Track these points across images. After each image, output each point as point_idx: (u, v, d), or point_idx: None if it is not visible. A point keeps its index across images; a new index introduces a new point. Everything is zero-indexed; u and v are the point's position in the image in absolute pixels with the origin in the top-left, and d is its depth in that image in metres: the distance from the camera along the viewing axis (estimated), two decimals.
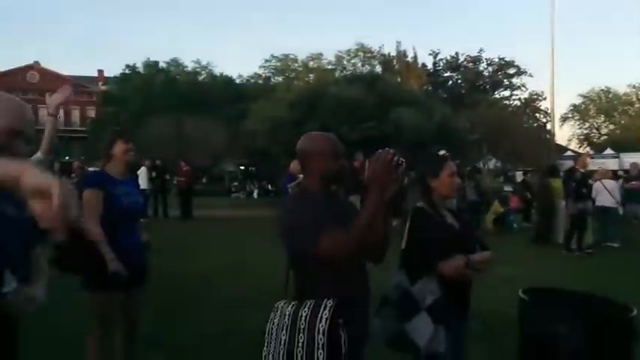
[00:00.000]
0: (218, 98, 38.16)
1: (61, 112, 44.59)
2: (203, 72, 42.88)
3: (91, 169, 26.47)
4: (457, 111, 26.58)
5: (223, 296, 6.08)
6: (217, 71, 42.86)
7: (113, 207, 3.07)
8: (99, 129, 37.62)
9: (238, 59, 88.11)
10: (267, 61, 39.03)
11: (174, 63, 41.49)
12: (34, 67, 48.64)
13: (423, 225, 2.45)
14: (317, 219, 1.99)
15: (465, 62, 42.29)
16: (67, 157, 33.55)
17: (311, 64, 38.01)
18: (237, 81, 42.01)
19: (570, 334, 2.63)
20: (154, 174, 13.86)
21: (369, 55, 38.55)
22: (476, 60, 42.09)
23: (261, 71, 40.02)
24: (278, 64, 38.83)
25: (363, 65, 37.93)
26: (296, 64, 38.54)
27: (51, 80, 48.02)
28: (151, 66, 40.14)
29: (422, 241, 2.43)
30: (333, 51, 43.44)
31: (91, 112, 45.45)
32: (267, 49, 71.90)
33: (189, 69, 42.17)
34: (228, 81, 41.41)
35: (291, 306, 2.04)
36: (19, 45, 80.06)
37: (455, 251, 2.40)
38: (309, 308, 1.98)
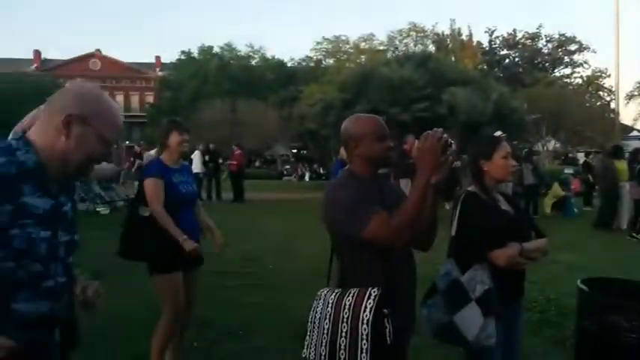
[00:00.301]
0: (270, 82, 38.45)
1: (121, 98, 46.22)
2: (256, 56, 43.29)
3: (150, 152, 27.39)
4: (514, 90, 25.59)
5: (274, 277, 6.15)
6: (269, 55, 43.14)
7: (172, 194, 3.21)
8: (156, 114, 38.83)
9: (290, 42, 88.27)
10: (318, 43, 38.92)
11: (228, 47, 42.05)
12: (96, 54, 50.48)
13: (474, 211, 2.33)
14: (361, 203, 1.93)
15: (522, 39, 40.53)
16: (127, 142, 34.73)
17: (362, 45, 37.55)
18: (289, 64, 42.11)
19: (631, 327, 2.46)
20: (207, 158, 14.13)
21: (422, 34, 37.64)
22: (534, 37, 40.29)
23: (312, 54, 39.96)
24: (329, 46, 38.61)
25: (415, 45, 37.11)
26: (347, 46, 38.18)
27: (111, 67, 49.86)
28: (206, 51, 40.83)
29: (473, 228, 2.31)
30: (385, 31, 42.76)
31: (150, 98, 46.82)
32: (318, 32, 71.68)
33: (242, 53, 42.65)
34: (280, 64, 41.58)
35: (334, 294, 1.99)
36: (82, 34, 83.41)
37: (508, 239, 2.27)
38: (352, 297, 1.93)
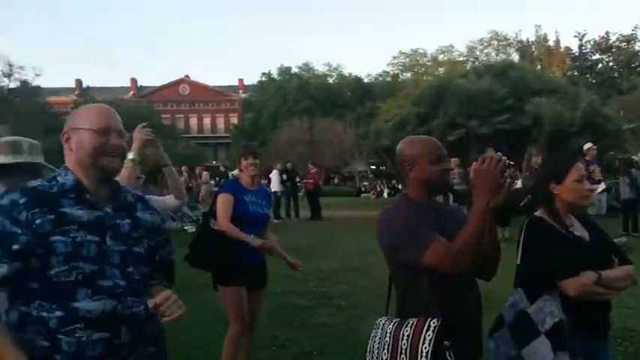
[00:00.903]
0: (348, 99, 38.71)
1: (208, 120, 48.65)
2: (333, 74, 43.88)
3: (233, 172, 28.44)
4: (608, 97, 23.92)
5: (348, 297, 6.08)
6: (346, 72, 43.52)
7: (242, 211, 3.43)
8: (240, 135, 40.33)
9: (367, 58, 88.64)
10: (395, 57, 38.71)
11: (306, 67, 42.96)
12: (185, 80, 53.49)
13: (539, 237, 2.16)
14: (418, 228, 1.86)
15: (616, 42, 37.87)
16: (214, 162, 36.33)
17: (441, 57, 36.87)
18: (366, 80, 42.24)
19: None
20: (284, 177, 14.41)
21: (504, 42, 36.32)
22: (630, 39, 37.46)
23: (389, 69, 39.81)
24: (406, 60, 38.27)
25: (497, 54, 35.86)
26: (425, 59, 37.65)
27: (199, 91, 52.58)
28: (285, 72, 41.97)
29: (538, 256, 2.14)
30: (465, 42, 41.75)
31: (234, 119, 48.77)
32: (396, 46, 71.39)
33: (319, 72, 43.39)
34: (357, 81, 41.81)
35: (392, 324, 1.92)
36: (173, 61, 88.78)
37: (582, 267, 2.08)
38: (411, 328, 1.86)
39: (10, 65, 36.34)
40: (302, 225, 13.38)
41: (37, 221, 1.40)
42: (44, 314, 1.43)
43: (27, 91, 36.57)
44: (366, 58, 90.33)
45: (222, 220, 3.38)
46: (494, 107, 16.13)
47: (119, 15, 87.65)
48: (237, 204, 3.43)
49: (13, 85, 36.95)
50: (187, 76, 53.66)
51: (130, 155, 2.59)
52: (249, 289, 3.50)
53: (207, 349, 4.18)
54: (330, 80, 43.56)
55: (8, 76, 36.64)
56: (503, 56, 34.87)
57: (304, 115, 34.11)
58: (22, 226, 1.39)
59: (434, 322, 1.82)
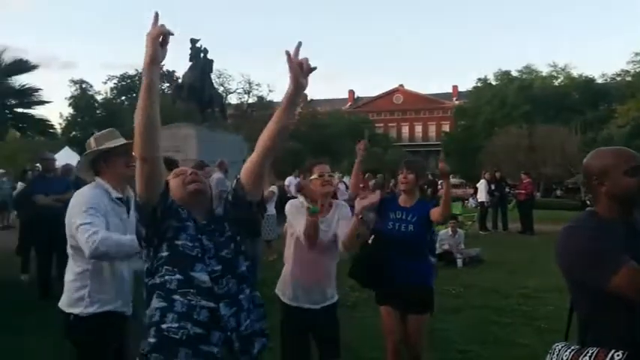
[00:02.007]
0: (575, 102, 35.05)
1: (419, 128, 49.14)
2: (560, 75, 40.19)
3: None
4: None
5: (554, 319, 5.55)
6: (576, 73, 39.41)
7: (383, 229, 3.37)
8: (451, 142, 39.65)
9: (601, 58, 78.74)
10: (637, 54, 33.61)
11: (527, 70, 40.22)
12: (399, 89, 54.88)
13: None
14: (606, 250, 1.69)
15: None
16: (427, 173, 36.32)
17: None
18: (600, 81, 37.64)
19: None
20: (492, 186, 13.72)
21: None
22: None
23: (629, 67, 34.73)
24: None
25: None
26: None
27: (412, 100, 53.36)
28: (503, 76, 39.91)
29: None
30: None
31: (446, 127, 48.22)
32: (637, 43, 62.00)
33: (544, 74, 40.17)
34: (587, 82, 37.56)
35: (570, 351, 1.78)
36: (388, 71, 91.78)
37: None
38: (590, 357, 1.71)
39: (250, 83, 42.06)
40: (510, 238, 12.58)
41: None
42: (166, 277, 1.81)
43: (262, 105, 41.79)
44: (597, 58, 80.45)
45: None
46: None
47: (343, 32, 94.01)
48: (383, 220, 3.37)
49: (251, 100, 42.63)
50: (401, 85, 54.93)
51: (311, 206, 2.69)
52: (406, 311, 3.33)
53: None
54: (556, 82, 39.99)
55: (248, 92, 42.46)
56: None
57: (523, 120, 31.97)
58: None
59: (618, 355, 1.64)
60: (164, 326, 1.76)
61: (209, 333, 1.78)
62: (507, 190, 14.17)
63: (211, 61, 17.45)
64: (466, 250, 9.11)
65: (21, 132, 6.87)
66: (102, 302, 2.42)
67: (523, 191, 13.58)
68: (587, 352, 1.71)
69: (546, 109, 33.99)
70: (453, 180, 29.27)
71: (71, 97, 41.36)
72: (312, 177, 2.94)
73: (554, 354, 1.84)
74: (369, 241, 3.36)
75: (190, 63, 16.64)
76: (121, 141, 2.60)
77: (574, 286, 1.86)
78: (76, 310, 2.44)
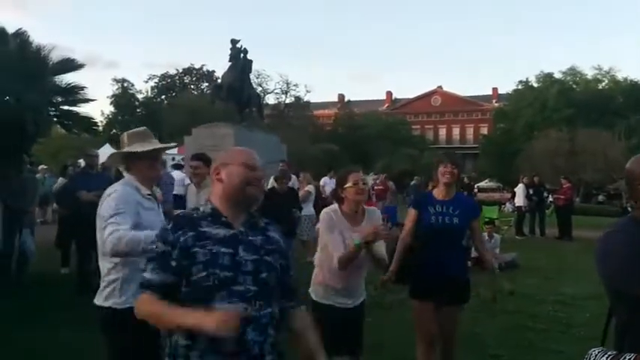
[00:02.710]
0: (619, 106, 33.91)
1: (457, 130, 48.49)
2: (604, 79, 38.95)
3: (481, 184, 27.48)
4: None
5: (589, 327, 5.43)
6: (621, 76, 38.12)
7: (424, 224, 3.41)
8: (489, 145, 38.96)
9: None
10: None
11: (571, 72, 39.12)
12: (437, 91, 54.17)
13: None
14: None
15: None
16: (462, 176, 35.85)
17: None
18: None
19: None
20: (531, 191, 13.42)
21: None
22: None
23: None
24: None
25: None
26: None
27: (450, 102, 52.67)
28: (546, 78, 38.93)
29: None
30: None
31: (484, 129, 47.36)
32: None
33: (588, 76, 39.00)
34: (633, 86, 36.28)
35: (606, 356, 1.78)
36: (426, 73, 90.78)
37: None
38: None
39: (288, 83, 42.39)
40: (547, 244, 12.27)
41: (181, 239, 1.69)
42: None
43: (299, 105, 42.04)
44: None
45: (401, 236, 3.47)
46: None
47: (382, 32, 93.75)
48: (422, 217, 3.41)
49: (288, 100, 42.96)
50: (440, 87, 54.23)
51: (355, 240, 2.82)
52: (439, 305, 3.37)
53: None
54: (600, 86, 38.77)
55: (285, 93, 42.80)
56: None
57: (565, 124, 31.14)
58: (171, 245, 1.70)
59: None
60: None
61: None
62: (546, 194, 13.85)
63: (251, 62, 17.67)
64: (502, 255, 8.97)
65: (66, 129, 7.15)
66: (135, 296, 2.40)
67: (562, 196, 13.24)
68: (625, 358, 1.70)
69: (589, 113, 33.00)
70: (489, 184, 28.60)
71: (113, 96, 42.64)
72: (347, 185, 2.99)
73: (590, 359, 1.83)
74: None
75: (230, 63, 16.92)
76: (149, 146, 2.64)
77: (612, 291, 1.84)
78: (108, 304, 2.46)
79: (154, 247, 1.76)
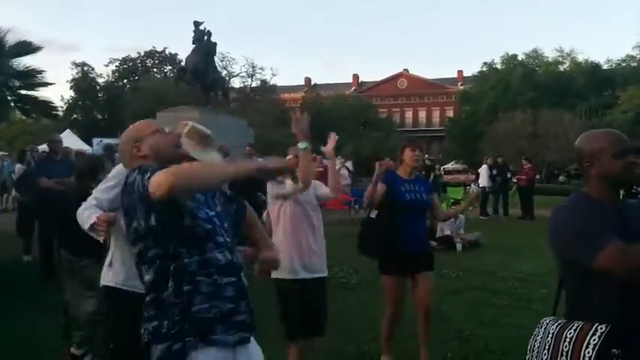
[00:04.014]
0: (580, 88, 34.87)
1: (423, 114, 48.71)
2: (565, 61, 39.93)
3: (447, 166, 27.94)
4: None
5: (547, 301, 5.65)
6: (581, 58, 39.13)
7: (397, 200, 3.62)
8: (455, 128, 39.52)
9: (607, 43, 78.03)
10: None
11: (534, 54, 39.92)
12: (403, 74, 54.44)
13: None
14: (593, 229, 1.75)
15: None
16: (426, 156, 36.31)
17: None
18: (605, 67, 37.38)
19: None
20: (494, 172, 13.74)
21: None
22: None
23: (635, 52, 34.52)
24: None
25: None
26: None
27: (416, 85, 53.07)
28: (509, 60, 39.57)
29: None
30: None
31: (450, 112, 47.98)
32: None
33: (549, 59, 39.86)
34: (593, 68, 37.35)
35: (557, 325, 1.86)
36: (392, 56, 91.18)
37: None
38: (575, 331, 1.77)
39: (254, 67, 41.89)
40: (510, 223, 12.64)
41: None
42: (186, 260, 1.75)
43: (265, 89, 41.63)
44: (605, 42, 79.59)
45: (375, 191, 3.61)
46: None
47: (348, 15, 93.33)
48: (393, 193, 3.60)
49: (254, 84, 42.48)
50: (406, 69, 54.50)
51: (301, 145, 2.93)
52: (414, 275, 3.66)
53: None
54: (562, 68, 39.72)
55: (251, 76, 42.31)
56: None
57: (528, 106, 31.85)
58: None
59: (601, 328, 1.71)
60: (194, 309, 1.72)
61: (237, 304, 1.81)
62: (509, 175, 14.19)
63: (215, 44, 17.41)
64: (466, 235, 9.19)
65: (24, 113, 6.91)
66: (127, 276, 2.44)
67: (524, 177, 13.60)
68: (573, 326, 1.78)
69: (551, 95, 33.82)
70: (456, 165, 29.08)
71: (73, 80, 41.36)
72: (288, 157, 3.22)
73: (542, 327, 1.92)
74: (372, 216, 3.71)
75: (194, 46, 16.62)
76: (205, 156, 2.49)
77: (563, 263, 1.93)
78: (104, 281, 2.55)
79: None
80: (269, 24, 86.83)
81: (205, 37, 16.81)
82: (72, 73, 41.69)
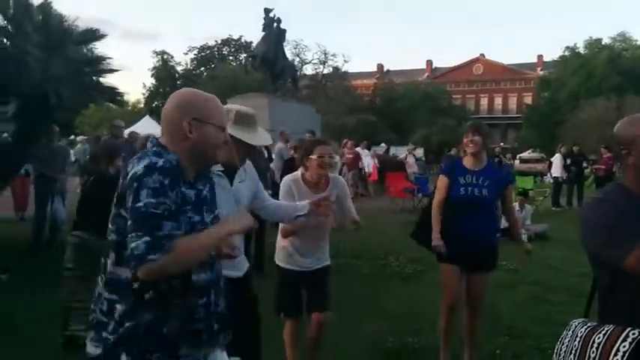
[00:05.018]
0: None
1: (499, 100, 46.91)
2: None
3: (524, 154, 26.61)
4: None
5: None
6: None
7: (449, 195, 3.39)
8: (533, 114, 37.62)
9: None
10: None
11: (621, 37, 37.08)
12: (479, 59, 52.49)
13: None
14: (628, 225, 1.63)
15: None
16: (501, 144, 34.92)
17: None
18: None
19: None
20: (568, 161, 12.93)
21: None
22: None
23: None
24: None
25: None
26: None
27: (493, 70, 50.97)
28: (594, 44, 37.04)
29: None
30: None
31: (528, 99, 45.76)
32: None
33: (638, 42, 36.87)
34: None
35: (585, 327, 1.76)
36: (468, 42, 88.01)
37: None
38: (604, 335, 1.67)
39: (325, 54, 41.96)
40: None
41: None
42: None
43: (337, 75, 41.63)
44: None
45: (434, 203, 3.47)
46: None
47: (414, 1, 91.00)
48: (452, 185, 3.37)
49: (326, 71, 42.57)
50: (482, 55, 52.52)
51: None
52: (468, 272, 3.44)
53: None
54: None
55: (323, 63, 42.40)
56: None
57: (612, 93, 29.69)
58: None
59: (634, 333, 1.59)
60: (164, 330, 1.55)
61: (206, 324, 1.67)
62: (586, 165, 13.32)
63: (284, 31, 17.56)
64: (532, 226, 8.76)
65: (91, 100, 7.31)
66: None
67: (602, 167, 12.69)
68: (602, 330, 1.67)
69: (638, 81, 31.31)
70: (532, 154, 27.73)
71: (153, 68, 43.36)
72: (312, 156, 3.03)
73: (570, 330, 1.81)
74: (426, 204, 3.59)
75: (263, 33, 16.84)
76: (248, 137, 2.45)
77: (594, 261, 1.81)
78: None
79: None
80: (342, 9, 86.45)
81: (275, 24, 16.99)
82: (153, 61, 43.78)
